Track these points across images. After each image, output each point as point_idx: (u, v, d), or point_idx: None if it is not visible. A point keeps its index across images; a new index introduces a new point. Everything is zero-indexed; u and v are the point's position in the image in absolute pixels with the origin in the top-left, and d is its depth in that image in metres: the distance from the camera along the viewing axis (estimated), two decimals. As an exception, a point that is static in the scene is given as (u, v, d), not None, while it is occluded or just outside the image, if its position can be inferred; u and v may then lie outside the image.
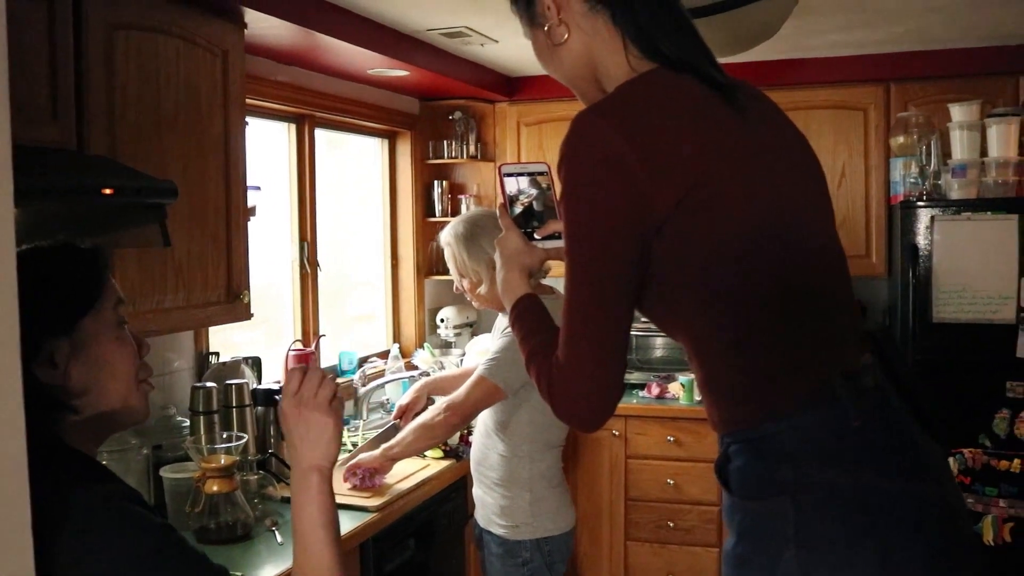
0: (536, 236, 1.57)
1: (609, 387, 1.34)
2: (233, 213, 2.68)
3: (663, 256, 1.29)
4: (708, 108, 1.35)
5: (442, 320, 4.56)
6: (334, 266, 4.12)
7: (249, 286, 2.76)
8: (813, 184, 1.45)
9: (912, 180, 3.99)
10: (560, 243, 1.48)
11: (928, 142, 3.96)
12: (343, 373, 3.97)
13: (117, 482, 1.36)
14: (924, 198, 3.87)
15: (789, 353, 1.31)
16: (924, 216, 3.81)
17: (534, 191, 1.59)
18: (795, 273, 1.32)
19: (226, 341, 3.33)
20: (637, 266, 1.30)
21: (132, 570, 1.21)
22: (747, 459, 1.31)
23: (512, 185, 1.58)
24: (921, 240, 3.81)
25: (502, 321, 2.87)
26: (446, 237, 2.90)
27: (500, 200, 1.63)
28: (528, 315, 1.56)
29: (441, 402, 2.84)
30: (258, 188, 2.97)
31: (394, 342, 4.48)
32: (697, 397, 4.20)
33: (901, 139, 4.08)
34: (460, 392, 2.80)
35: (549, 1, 1.42)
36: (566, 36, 1.43)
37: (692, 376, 4.21)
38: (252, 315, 2.80)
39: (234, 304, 2.69)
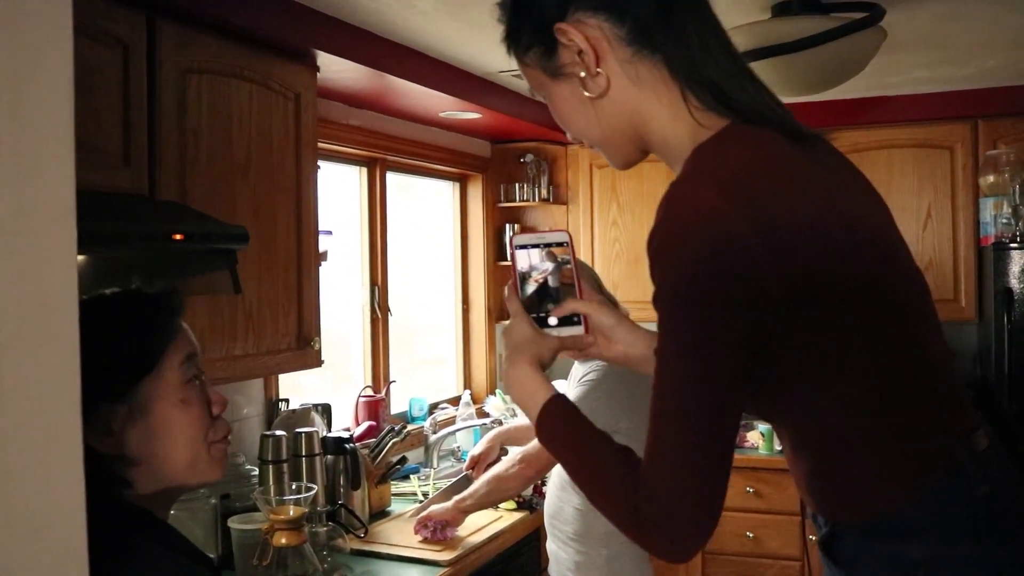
0: (550, 320, 1.32)
1: (715, 513, 1.11)
2: (304, 259, 2.64)
3: (783, 346, 1.11)
4: (803, 167, 1.14)
5: (513, 366, 4.47)
6: (404, 310, 4.07)
7: (320, 332, 2.71)
8: (900, 236, 1.25)
9: (1004, 221, 3.82)
10: (579, 329, 1.31)
11: (1021, 181, 3.79)
12: (413, 420, 3.90)
13: (181, 546, 1.28)
14: (1018, 239, 3.70)
15: (919, 425, 1.16)
16: (1018, 258, 3.64)
17: (549, 265, 1.34)
18: (919, 335, 1.18)
19: (295, 385, 3.29)
20: (751, 366, 1.10)
21: None
22: (862, 537, 1.18)
23: (524, 260, 1.34)
24: (1015, 283, 3.63)
25: (578, 369, 2.77)
26: (518, 280, 2.82)
27: (511, 280, 1.37)
28: (565, 428, 1.30)
29: (515, 453, 2.75)
30: (329, 233, 2.93)
31: (465, 388, 4.41)
32: (778, 447, 4.05)
33: (991, 178, 3.91)
34: (536, 444, 2.69)
35: (584, 47, 1.16)
36: (605, 87, 1.18)
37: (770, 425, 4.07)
38: (323, 362, 2.75)
39: (304, 351, 2.64)
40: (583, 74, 1.18)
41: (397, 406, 3.89)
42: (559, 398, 1.29)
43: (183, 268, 2.02)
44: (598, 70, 1.17)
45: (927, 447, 1.16)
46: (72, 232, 0.87)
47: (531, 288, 1.34)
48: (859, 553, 1.18)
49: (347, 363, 3.77)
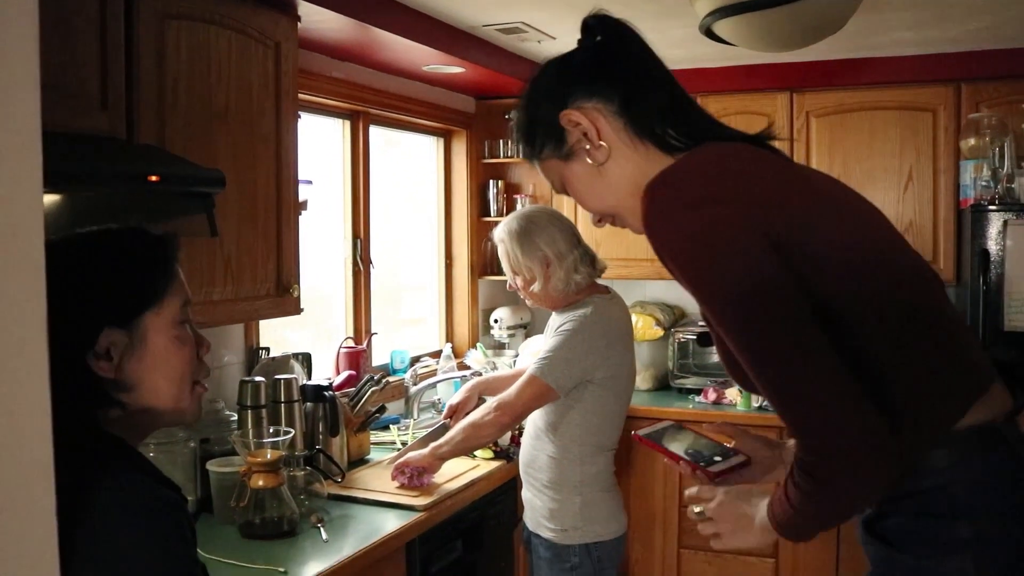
0: (716, 459, 1.52)
1: (880, 427, 1.17)
2: (283, 207, 2.66)
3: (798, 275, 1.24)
4: (770, 158, 1.38)
5: (496, 320, 4.51)
6: (387, 268, 4.10)
7: (299, 280, 2.74)
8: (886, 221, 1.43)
9: (984, 183, 3.85)
10: (741, 456, 1.52)
11: (1001, 144, 3.82)
12: (395, 372, 3.94)
13: (152, 473, 1.32)
14: (996, 202, 3.73)
15: (949, 371, 1.23)
16: (996, 221, 3.68)
17: (691, 437, 1.60)
18: (924, 295, 1.27)
19: (278, 339, 3.32)
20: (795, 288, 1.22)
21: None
22: (913, 515, 1.23)
23: (675, 447, 1.55)
24: (992, 245, 3.67)
25: (555, 320, 2.81)
26: (500, 234, 2.85)
27: (685, 467, 1.54)
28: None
29: (491, 401, 2.79)
30: (309, 182, 2.95)
31: (447, 342, 4.45)
32: (755, 403, 4.10)
33: (972, 141, 3.94)
34: (511, 391, 2.74)
35: (585, 125, 1.41)
36: (608, 154, 1.41)
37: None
38: (302, 310, 2.78)
39: (283, 298, 2.67)
40: (588, 147, 1.41)
41: (379, 359, 3.93)
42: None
43: (160, 210, 2.04)
44: (600, 143, 1.41)
45: (963, 403, 1.22)
46: (37, 164, 0.90)
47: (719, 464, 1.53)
48: (911, 533, 1.22)
49: (330, 317, 3.80)
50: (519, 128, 1.50)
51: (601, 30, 1.46)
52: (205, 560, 2.22)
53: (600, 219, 1.51)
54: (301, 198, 2.81)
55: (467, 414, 2.97)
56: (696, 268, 1.25)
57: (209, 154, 2.36)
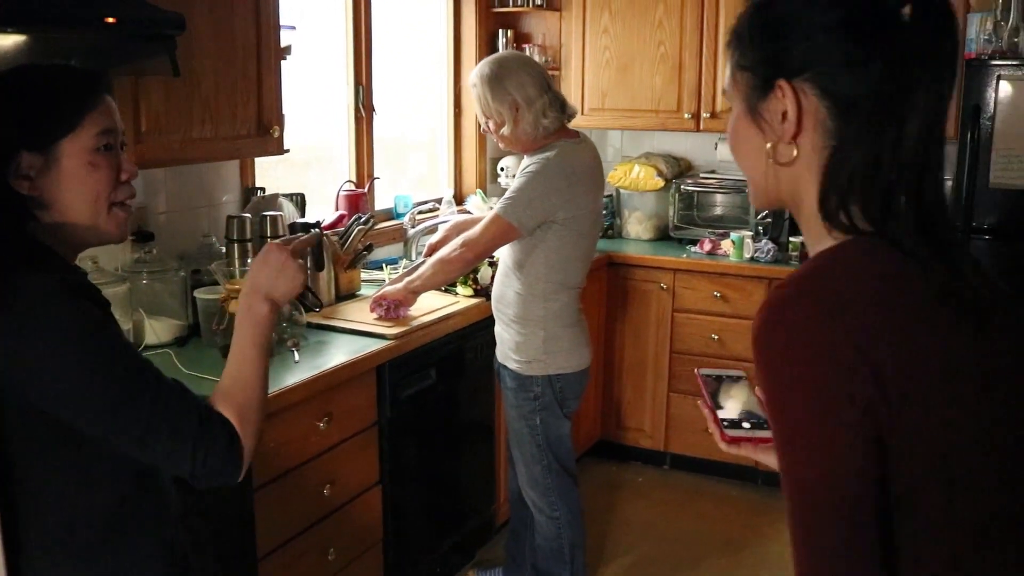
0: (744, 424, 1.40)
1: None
2: (264, 50, 2.78)
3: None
4: (922, 308, 1.05)
5: (502, 169, 4.64)
6: (395, 125, 4.22)
7: (282, 122, 2.88)
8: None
9: (986, 37, 3.81)
10: (763, 434, 1.33)
11: (1005, -4, 3.76)
12: (398, 216, 4.11)
13: (78, 275, 1.52)
14: (996, 56, 3.71)
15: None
16: (992, 75, 3.66)
17: (752, 400, 1.45)
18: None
19: (281, 187, 3.46)
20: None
21: (65, 356, 1.37)
22: None
23: (723, 398, 1.45)
24: (986, 101, 3.67)
25: (525, 161, 2.93)
26: (472, 78, 2.96)
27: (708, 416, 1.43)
28: None
29: (458, 239, 2.96)
30: (293, 28, 3.06)
31: (455, 191, 4.59)
32: (747, 254, 4.21)
33: (981, -8, 3.88)
34: (476, 229, 2.91)
35: (792, 115, 1.09)
36: (791, 160, 1.12)
37: (743, 234, 4.22)
38: (287, 150, 2.93)
39: (264, 138, 2.82)
40: (776, 135, 1.12)
41: (382, 204, 4.10)
42: None
43: (122, 52, 2.19)
44: (793, 143, 1.11)
45: None
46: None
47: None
48: None
49: (336, 164, 3.95)
50: (754, 20, 1.15)
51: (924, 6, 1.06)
52: (189, 377, 2.48)
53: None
54: (284, 43, 2.93)
55: (446, 253, 3.14)
56: (781, 410, 1.05)
57: (185, -1, 2.48)
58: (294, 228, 3.17)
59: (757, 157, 1.15)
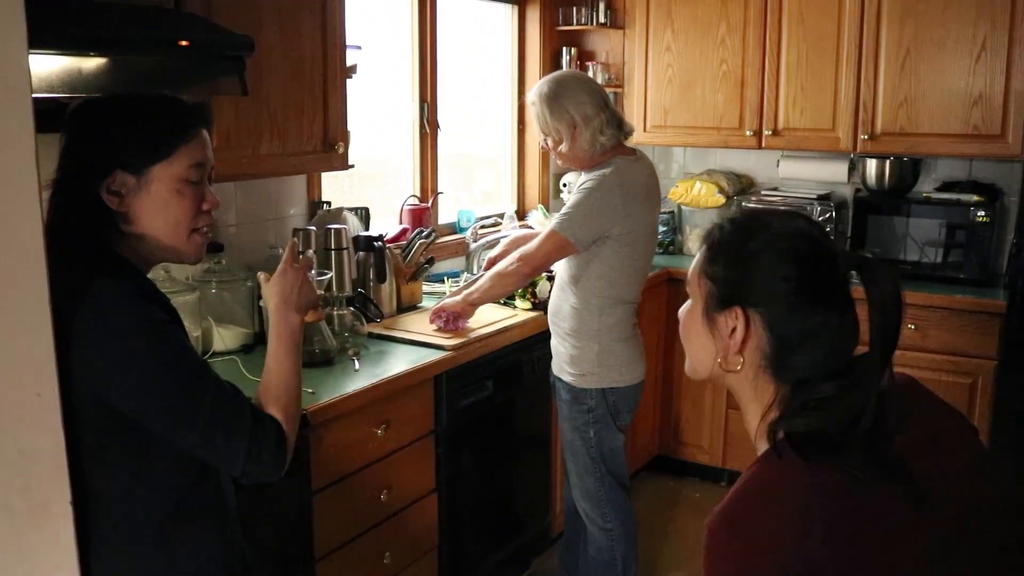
0: None
1: None
2: (330, 69, 2.89)
3: None
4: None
5: (564, 185, 4.70)
6: (461, 141, 4.32)
7: (347, 139, 2.98)
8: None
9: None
10: None
11: (1075, 12, 3.71)
12: (461, 231, 4.20)
13: (151, 285, 1.62)
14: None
15: None
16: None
17: None
18: None
19: (346, 200, 3.56)
20: None
21: (134, 355, 1.47)
22: None
23: None
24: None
25: (582, 178, 2.99)
26: (531, 96, 3.04)
27: None
28: None
29: (515, 253, 3.03)
30: (359, 47, 3.16)
31: (518, 207, 4.67)
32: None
33: (1049, 8, 3.83)
34: (533, 244, 2.97)
35: (740, 335, 1.29)
36: (737, 368, 1.30)
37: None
38: (351, 165, 3.03)
39: (330, 154, 2.92)
40: (724, 346, 1.30)
41: (445, 219, 4.19)
42: None
43: (195, 73, 2.30)
44: (740, 357, 1.29)
45: None
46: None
47: None
48: None
49: (400, 178, 4.05)
50: (727, 240, 1.33)
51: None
52: (254, 383, 2.58)
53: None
54: (350, 62, 3.03)
55: (507, 267, 3.21)
56: None
57: (254, 20, 2.60)
58: (357, 241, 3.27)
59: (705, 354, 1.34)
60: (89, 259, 1.53)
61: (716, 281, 1.32)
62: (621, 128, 3.01)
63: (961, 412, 1.41)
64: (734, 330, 1.29)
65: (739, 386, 1.33)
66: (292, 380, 1.69)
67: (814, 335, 1.26)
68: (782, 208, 1.27)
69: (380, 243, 3.28)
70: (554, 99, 2.96)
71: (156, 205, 1.58)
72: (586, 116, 2.93)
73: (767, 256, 1.28)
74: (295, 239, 2.08)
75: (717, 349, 1.32)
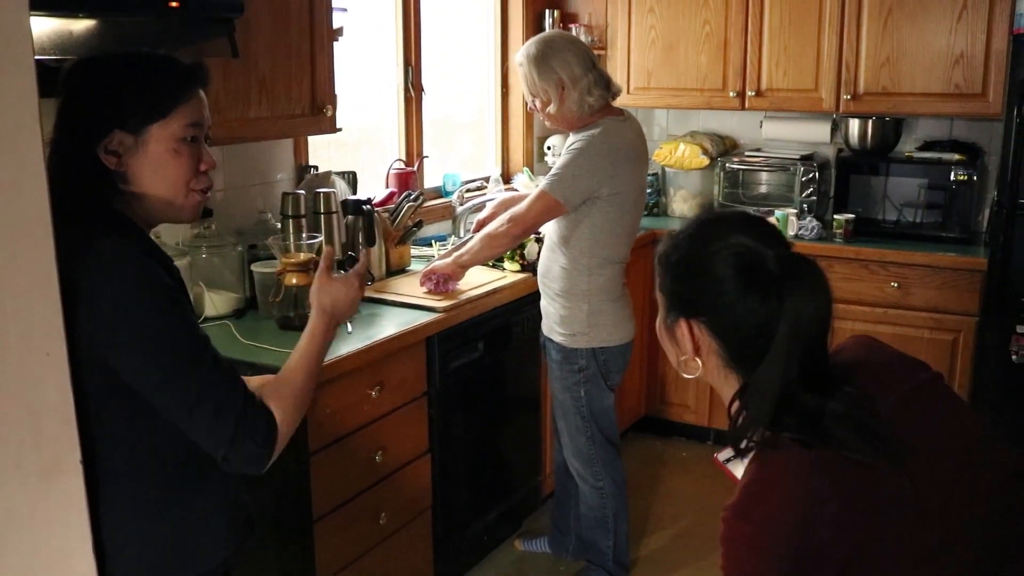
0: None
1: None
2: (317, 32, 2.87)
3: None
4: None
5: (548, 148, 4.70)
6: (443, 106, 4.30)
7: (335, 102, 2.97)
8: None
9: (1034, 12, 3.79)
10: None
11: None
12: (447, 194, 4.20)
13: (153, 244, 1.62)
14: (1044, 31, 3.69)
15: None
16: (1040, 50, 3.65)
17: None
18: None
19: (333, 165, 3.55)
20: None
21: (136, 315, 1.47)
22: None
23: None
24: (1035, 76, 3.65)
25: (571, 139, 3.00)
26: (519, 57, 3.03)
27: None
28: None
29: (505, 214, 3.04)
30: (344, 10, 3.15)
31: (502, 169, 4.67)
32: (791, 232, 4.24)
33: (1032, -37, 3.84)
34: (522, 205, 2.98)
35: (688, 345, 1.43)
36: (698, 369, 1.45)
37: (788, 212, 4.25)
38: (339, 128, 3.02)
39: (318, 117, 2.91)
40: (684, 356, 1.46)
41: (431, 182, 4.19)
42: None
43: (186, 34, 2.29)
44: (697, 359, 1.44)
45: None
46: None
47: None
48: None
49: (386, 143, 4.04)
50: (671, 256, 1.47)
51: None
52: (246, 347, 2.59)
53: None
54: (336, 25, 3.02)
55: (496, 229, 3.22)
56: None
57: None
58: (346, 204, 3.27)
59: (674, 359, 1.49)
60: (90, 218, 1.53)
61: (666, 295, 1.48)
62: (609, 89, 3.01)
63: (923, 362, 1.48)
64: (684, 336, 1.44)
65: (711, 380, 1.47)
66: (307, 383, 1.67)
67: (760, 331, 1.34)
68: (729, 213, 1.37)
69: (369, 207, 3.28)
70: (542, 59, 2.96)
71: (154, 164, 1.57)
72: (574, 76, 2.93)
73: (704, 268, 1.39)
74: (330, 247, 2.08)
75: (678, 355, 1.48)
